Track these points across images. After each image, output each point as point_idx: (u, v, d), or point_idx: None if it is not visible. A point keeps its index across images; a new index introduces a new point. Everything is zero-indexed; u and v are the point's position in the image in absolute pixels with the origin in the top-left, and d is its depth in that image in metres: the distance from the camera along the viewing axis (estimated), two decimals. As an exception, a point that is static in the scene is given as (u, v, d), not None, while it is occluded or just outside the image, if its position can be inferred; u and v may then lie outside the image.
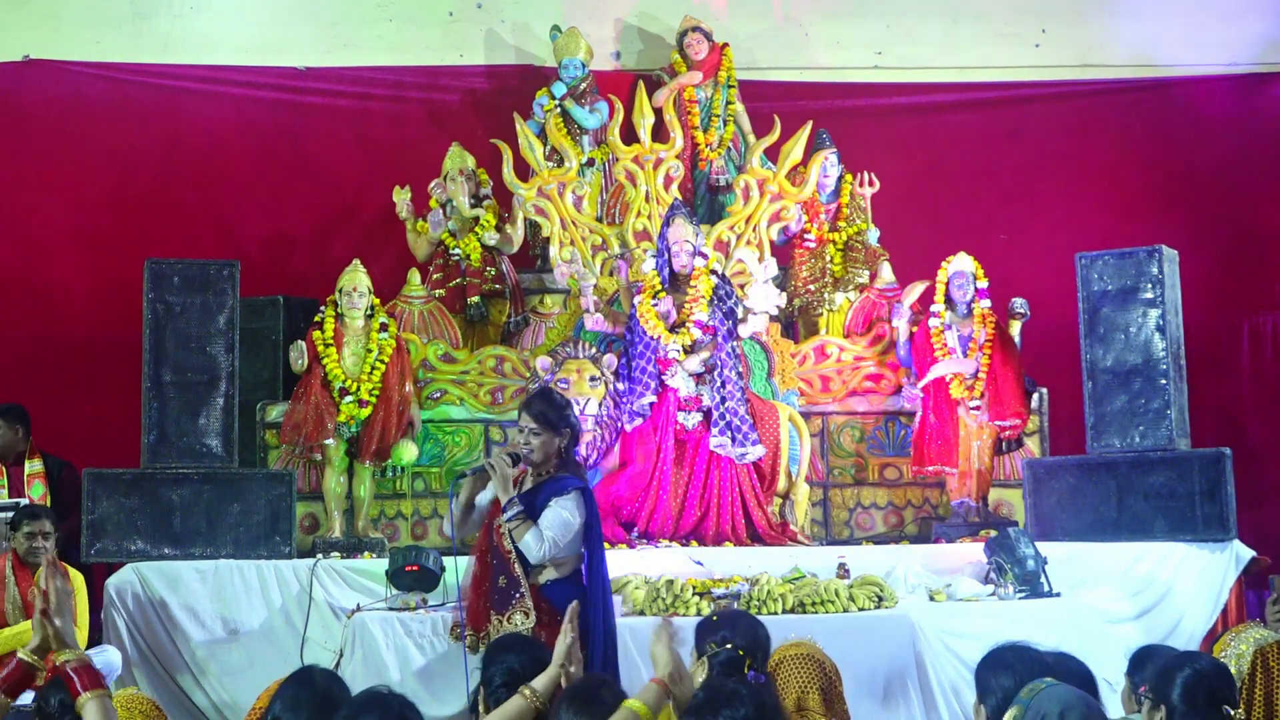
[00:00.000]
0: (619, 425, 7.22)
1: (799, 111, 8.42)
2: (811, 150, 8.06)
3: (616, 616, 5.89)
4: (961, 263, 7.66)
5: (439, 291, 8.09)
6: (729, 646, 3.88)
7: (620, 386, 7.23)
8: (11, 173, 8.93)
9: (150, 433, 6.89)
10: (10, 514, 6.65)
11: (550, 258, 7.94)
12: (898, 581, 6.59)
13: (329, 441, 7.15)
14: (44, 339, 8.69)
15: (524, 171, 8.08)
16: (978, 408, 7.47)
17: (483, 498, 5.05)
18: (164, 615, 6.53)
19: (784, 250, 8.30)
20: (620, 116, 8.08)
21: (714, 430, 7.13)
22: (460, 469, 7.10)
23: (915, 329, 7.68)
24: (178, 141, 9.07)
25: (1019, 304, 7.70)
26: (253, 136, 9.16)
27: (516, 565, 4.83)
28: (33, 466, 7.42)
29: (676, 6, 9.06)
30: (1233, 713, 3.46)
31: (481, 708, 3.81)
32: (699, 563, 6.59)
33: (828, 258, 8.28)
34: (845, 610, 6.05)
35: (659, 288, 7.29)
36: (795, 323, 8.45)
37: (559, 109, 8.43)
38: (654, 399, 7.18)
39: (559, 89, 8.48)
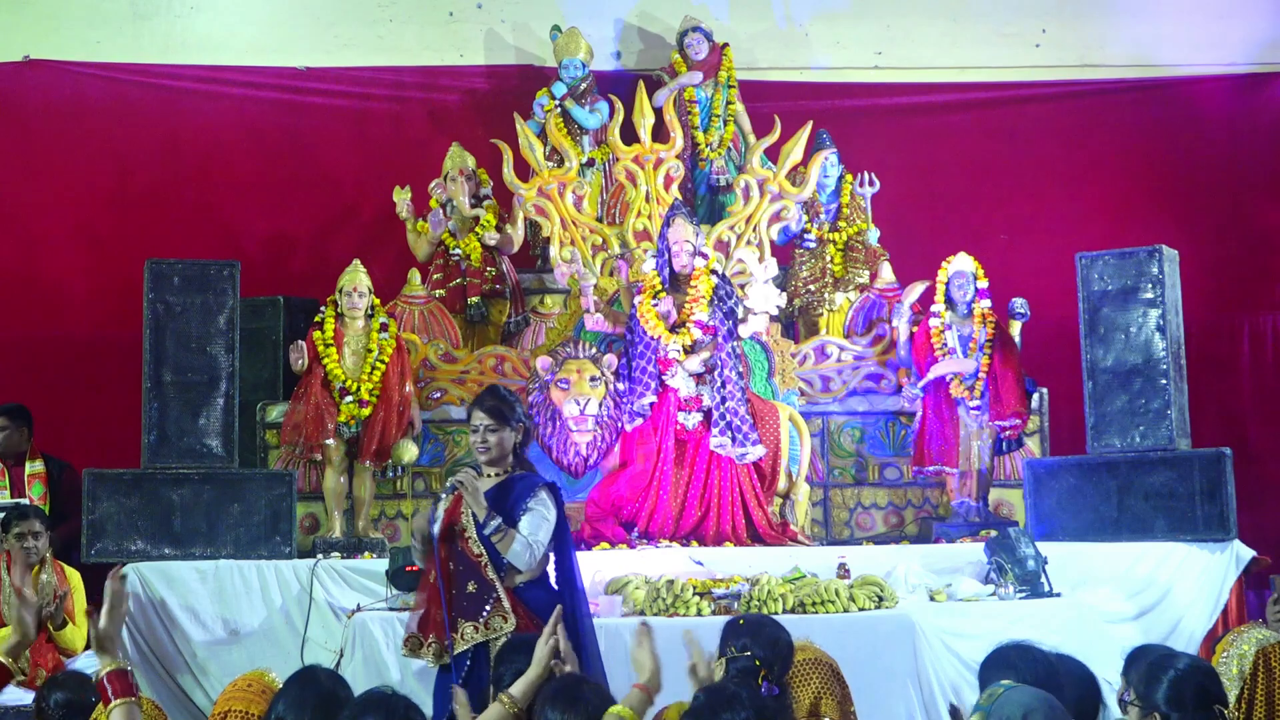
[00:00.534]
0: (619, 425, 7.21)
1: (799, 111, 8.42)
2: (812, 150, 8.06)
3: (617, 616, 5.92)
4: (961, 263, 7.65)
5: (439, 291, 8.09)
6: (748, 654, 3.88)
7: (620, 386, 7.22)
8: (11, 172, 8.94)
9: (150, 433, 6.89)
10: (6, 514, 6.65)
11: (550, 258, 7.94)
12: (898, 581, 6.58)
13: (329, 441, 7.15)
14: (44, 339, 8.70)
15: (524, 171, 8.08)
16: (978, 408, 7.47)
17: (433, 527, 4.79)
18: (164, 615, 6.53)
19: (784, 250, 8.31)
20: (620, 116, 8.08)
21: (714, 430, 7.12)
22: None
23: (915, 329, 7.67)
24: (178, 141, 9.07)
25: (1019, 304, 7.70)
26: (253, 136, 9.16)
27: (489, 570, 4.70)
28: (33, 467, 7.42)
29: (676, 6, 9.07)
30: (1225, 712, 3.43)
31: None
32: (699, 563, 6.59)
33: (828, 258, 8.29)
34: (845, 610, 6.04)
35: (659, 288, 7.28)
36: (795, 323, 8.46)
37: (559, 109, 8.44)
38: (654, 399, 7.18)
39: (559, 89, 8.48)
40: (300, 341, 7.24)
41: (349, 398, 7.15)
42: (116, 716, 3.14)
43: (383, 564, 6.45)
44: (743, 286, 7.58)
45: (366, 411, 7.15)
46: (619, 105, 8.17)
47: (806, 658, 4.10)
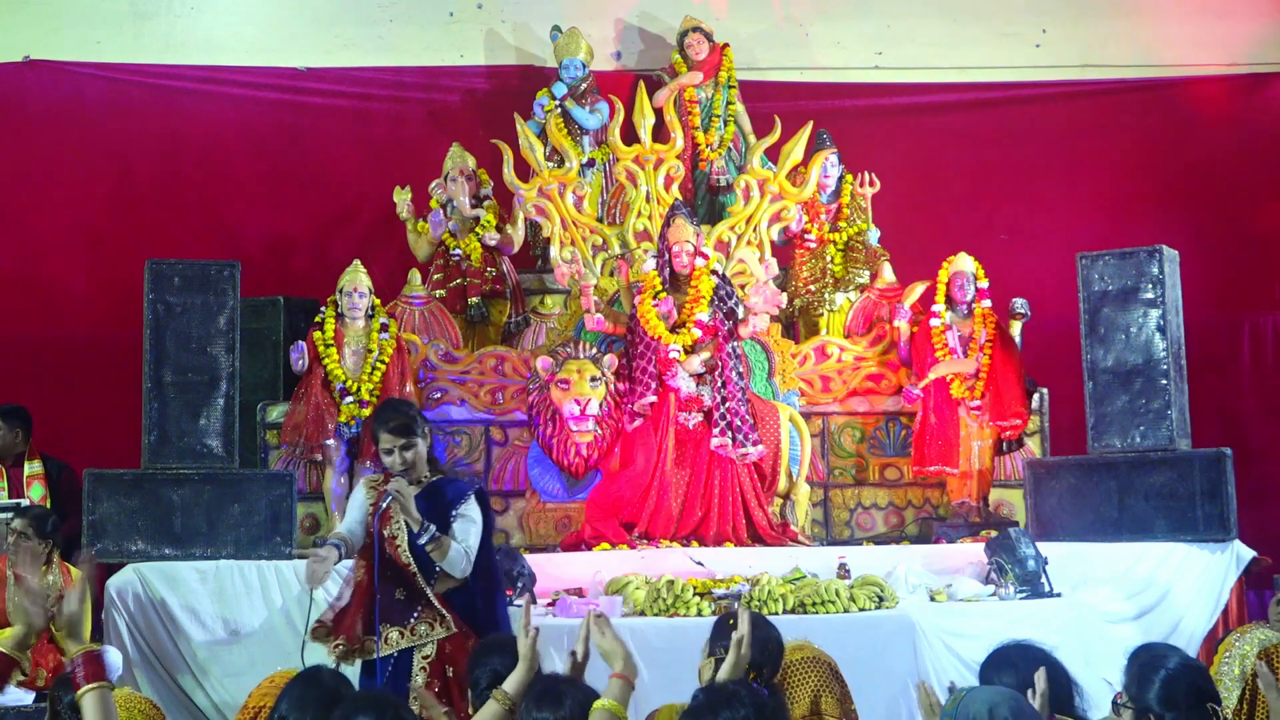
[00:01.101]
0: (619, 425, 7.21)
1: (799, 112, 8.43)
2: (812, 150, 8.06)
3: (617, 616, 5.93)
4: (962, 263, 7.66)
5: (439, 292, 8.09)
6: None
7: (621, 386, 7.23)
8: (12, 173, 8.94)
9: (151, 433, 6.89)
10: (9, 515, 6.65)
11: (551, 258, 7.94)
12: (898, 582, 6.59)
13: (329, 442, 7.15)
14: (44, 339, 8.70)
15: (524, 172, 8.08)
16: (978, 408, 7.47)
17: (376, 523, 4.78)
18: (165, 616, 6.52)
19: (784, 250, 8.30)
20: (621, 117, 8.09)
21: (715, 430, 7.13)
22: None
23: (916, 329, 7.68)
24: (178, 141, 9.07)
25: (1019, 304, 7.70)
26: (253, 136, 9.17)
27: (418, 578, 4.67)
28: (32, 468, 7.41)
29: (677, 6, 9.07)
30: (1219, 710, 3.42)
31: (470, 710, 3.80)
32: (699, 563, 6.59)
33: (828, 258, 8.29)
34: (846, 610, 6.04)
35: (659, 288, 7.28)
36: (796, 323, 8.46)
37: (559, 109, 8.44)
38: (654, 399, 7.18)
39: (559, 89, 8.48)
40: (300, 342, 7.24)
41: (349, 398, 7.15)
42: (89, 703, 2.95)
43: (383, 564, 6.43)
44: (743, 287, 7.58)
45: (366, 412, 7.15)
46: (619, 105, 8.17)
47: (804, 656, 4.09)
